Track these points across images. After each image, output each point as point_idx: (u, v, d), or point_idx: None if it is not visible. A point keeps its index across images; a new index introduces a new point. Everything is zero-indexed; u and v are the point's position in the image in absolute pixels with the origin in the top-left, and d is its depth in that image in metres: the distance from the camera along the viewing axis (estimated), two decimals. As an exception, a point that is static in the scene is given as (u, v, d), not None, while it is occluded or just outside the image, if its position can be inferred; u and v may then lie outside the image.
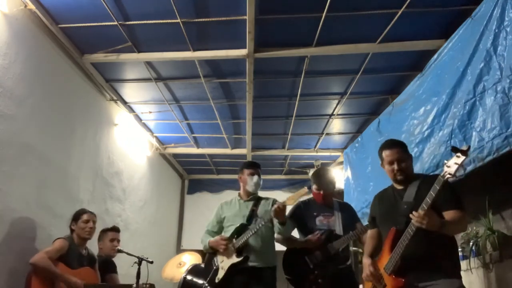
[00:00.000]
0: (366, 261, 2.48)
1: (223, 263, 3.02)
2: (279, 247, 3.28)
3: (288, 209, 3.17)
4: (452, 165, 2.00)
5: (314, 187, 3.39)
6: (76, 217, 3.30)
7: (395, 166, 2.40)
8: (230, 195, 3.51)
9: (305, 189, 2.98)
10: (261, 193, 3.36)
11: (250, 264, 2.97)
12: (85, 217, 3.30)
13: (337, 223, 3.25)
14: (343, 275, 3.18)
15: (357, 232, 3.14)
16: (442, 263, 2.20)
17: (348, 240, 3.17)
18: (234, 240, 3.04)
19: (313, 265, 3.15)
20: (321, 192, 3.32)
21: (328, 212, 3.31)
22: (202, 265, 3.54)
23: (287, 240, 3.29)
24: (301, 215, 3.34)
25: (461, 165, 1.99)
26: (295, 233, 3.41)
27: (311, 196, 3.47)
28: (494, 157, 2.78)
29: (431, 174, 3.30)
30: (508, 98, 2.66)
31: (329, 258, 3.14)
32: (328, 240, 3.17)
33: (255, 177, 3.22)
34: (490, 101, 2.83)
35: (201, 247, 3.35)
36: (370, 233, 2.64)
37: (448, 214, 2.19)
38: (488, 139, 2.82)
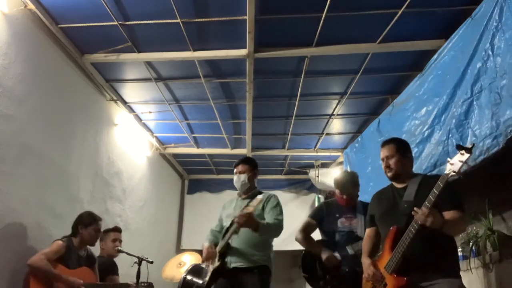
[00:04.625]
0: (365, 261, 2.48)
1: (210, 267, 3.00)
2: (278, 246, 3.27)
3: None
4: (456, 163, 2.00)
5: (337, 191, 3.42)
6: (88, 223, 3.26)
7: (384, 163, 2.47)
8: (230, 195, 3.51)
9: (261, 197, 2.91)
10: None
11: (232, 265, 2.91)
12: (98, 225, 3.30)
13: (359, 225, 3.23)
14: (359, 277, 3.16)
15: None
16: (442, 262, 2.20)
17: None
18: (220, 243, 3.01)
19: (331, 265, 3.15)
20: (344, 197, 3.35)
21: (351, 214, 3.30)
22: (202, 265, 3.54)
23: (306, 240, 3.32)
24: (323, 216, 3.35)
25: (465, 163, 1.98)
26: (317, 233, 3.42)
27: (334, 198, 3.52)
28: (485, 157, 2.78)
29: (430, 173, 3.30)
30: (500, 98, 2.67)
31: (347, 259, 3.13)
32: (349, 242, 3.17)
33: (236, 177, 3.17)
34: (485, 101, 2.84)
35: (201, 247, 3.34)
36: (368, 232, 2.63)
37: (448, 214, 2.19)
38: (480, 138, 2.83)
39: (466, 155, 1.98)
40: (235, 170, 3.21)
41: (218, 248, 3.01)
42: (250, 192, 3.20)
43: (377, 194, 2.62)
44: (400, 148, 2.47)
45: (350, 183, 3.38)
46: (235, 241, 2.95)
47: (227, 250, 2.95)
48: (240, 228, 2.80)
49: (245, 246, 2.95)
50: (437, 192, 2.05)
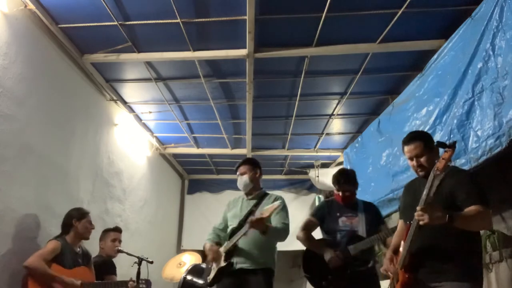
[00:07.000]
0: (386, 255, 2.47)
1: (214, 265, 3.02)
2: (281, 248, 3.26)
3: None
4: (440, 161, 1.97)
5: (334, 188, 3.39)
6: (80, 216, 3.29)
7: (414, 163, 2.34)
8: (230, 195, 3.51)
9: (277, 203, 2.85)
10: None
11: (238, 266, 2.91)
12: (89, 217, 3.34)
13: (360, 224, 3.21)
14: (362, 277, 3.11)
15: (382, 236, 3.08)
16: (451, 263, 2.11)
17: (371, 243, 3.11)
18: (226, 242, 3.01)
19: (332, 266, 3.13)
20: (341, 194, 3.31)
21: (351, 213, 3.27)
22: (202, 265, 3.54)
23: (308, 239, 3.29)
24: (324, 215, 3.33)
25: (449, 160, 1.95)
26: (318, 232, 3.39)
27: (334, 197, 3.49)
28: (488, 157, 2.77)
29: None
30: (502, 98, 2.67)
31: (349, 259, 3.10)
32: (350, 241, 3.15)
33: (238, 178, 3.19)
34: (487, 101, 2.83)
35: (201, 247, 3.34)
36: (399, 223, 2.55)
37: (467, 210, 2.09)
38: (483, 139, 2.83)
39: (449, 153, 1.95)
40: (237, 173, 3.21)
41: (223, 248, 3.00)
42: (255, 192, 3.20)
43: (407, 185, 2.55)
44: (427, 145, 2.33)
45: (346, 179, 3.34)
46: (242, 242, 2.95)
47: (234, 250, 2.95)
48: (250, 230, 2.81)
49: (252, 248, 2.96)
50: (426, 191, 2.02)
